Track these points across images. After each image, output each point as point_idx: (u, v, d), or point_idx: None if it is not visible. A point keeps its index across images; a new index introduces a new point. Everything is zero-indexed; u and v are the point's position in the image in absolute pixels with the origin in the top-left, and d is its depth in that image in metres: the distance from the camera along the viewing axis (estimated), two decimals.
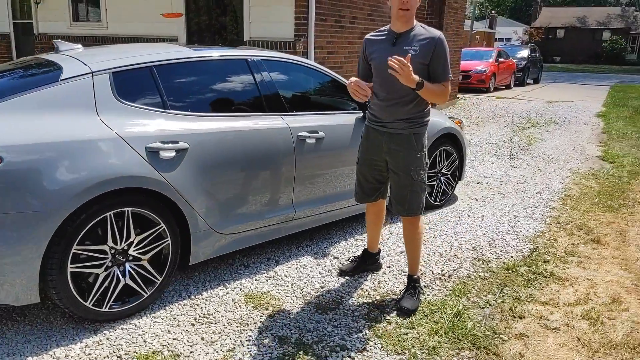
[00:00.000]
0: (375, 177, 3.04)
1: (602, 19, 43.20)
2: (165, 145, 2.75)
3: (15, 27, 10.00)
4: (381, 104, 2.88)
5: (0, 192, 2.28)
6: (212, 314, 2.86)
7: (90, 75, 2.67)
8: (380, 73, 2.83)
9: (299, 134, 3.39)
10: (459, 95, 13.49)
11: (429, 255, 3.74)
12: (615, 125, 9.91)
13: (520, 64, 18.39)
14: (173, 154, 2.78)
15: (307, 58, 6.74)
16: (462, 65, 15.01)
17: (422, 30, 2.78)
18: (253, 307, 2.95)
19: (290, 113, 3.43)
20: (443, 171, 4.73)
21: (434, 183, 4.67)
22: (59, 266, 2.46)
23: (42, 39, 9.36)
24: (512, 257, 3.78)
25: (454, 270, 3.52)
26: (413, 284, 3.06)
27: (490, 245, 3.97)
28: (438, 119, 4.61)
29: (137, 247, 2.75)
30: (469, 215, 4.61)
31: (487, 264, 3.63)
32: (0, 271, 2.33)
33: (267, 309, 2.93)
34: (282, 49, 6.65)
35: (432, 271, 3.49)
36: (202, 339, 2.63)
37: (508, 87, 17.32)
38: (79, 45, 3.14)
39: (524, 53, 19.25)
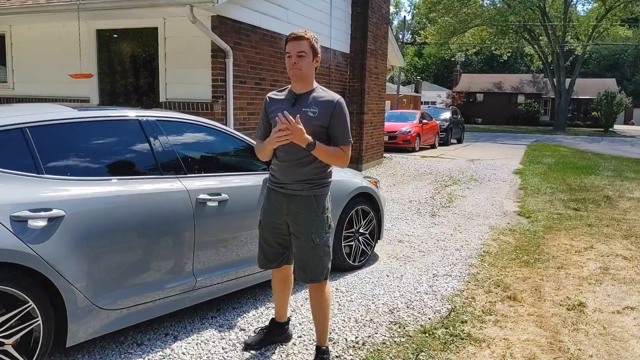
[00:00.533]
0: (278, 241, 2.87)
1: (516, 84, 47.06)
2: (35, 214, 2.45)
3: None
4: (280, 164, 2.77)
5: None
6: None
7: None
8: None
9: (199, 196, 3.19)
10: (386, 155, 13.86)
11: (344, 321, 3.55)
12: (531, 181, 10.43)
13: (443, 125, 19.37)
14: (44, 222, 2.48)
15: (226, 119, 6.65)
16: (388, 126, 15.60)
17: (322, 92, 2.74)
18: None
19: (190, 175, 3.23)
20: (361, 231, 4.64)
21: (352, 243, 4.56)
22: None
23: None
24: (429, 318, 3.66)
25: (369, 336, 3.34)
26: (321, 356, 2.84)
27: (407, 307, 3.85)
28: (353, 178, 4.58)
29: (0, 330, 2.37)
30: (387, 276, 4.50)
31: (404, 328, 3.48)
32: None
33: None
34: (200, 110, 6.54)
35: (346, 339, 3.28)
36: None
37: (433, 146, 18.09)
38: None
39: (446, 115, 20.36)
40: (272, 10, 7.65)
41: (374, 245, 4.85)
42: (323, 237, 2.73)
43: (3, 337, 2.39)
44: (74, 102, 6.73)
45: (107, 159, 2.96)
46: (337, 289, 4.13)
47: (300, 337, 3.28)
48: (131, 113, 3.16)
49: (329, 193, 2.82)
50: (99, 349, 3.03)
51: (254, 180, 3.61)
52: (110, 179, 2.86)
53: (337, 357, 3.05)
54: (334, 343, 3.22)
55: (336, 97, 2.71)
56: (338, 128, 2.68)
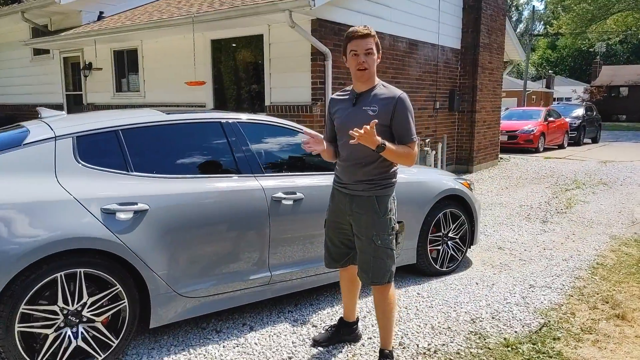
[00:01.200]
0: (342, 241, 2.88)
1: None
2: (122, 207, 2.76)
3: (68, 98, 10.91)
4: (342, 164, 2.78)
5: None
6: None
7: (53, 139, 2.78)
8: (341, 133, 2.75)
9: (274, 195, 3.32)
10: (503, 156, 13.05)
11: (419, 326, 3.44)
12: None
13: (575, 123, 17.65)
14: (130, 215, 2.78)
15: (325, 121, 6.80)
16: (508, 125, 14.66)
17: (383, 90, 2.68)
18: None
19: (266, 174, 3.38)
20: (450, 235, 4.45)
21: (440, 248, 4.39)
22: (5, 325, 2.46)
23: (89, 108, 10.12)
24: (515, 332, 3.40)
25: (443, 344, 3.20)
26: (384, 359, 2.79)
27: (492, 317, 3.61)
28: (440, 179, 4.41)
29: (91, 309, 2.71)
30: (477, 284, 4.26)
31: (484, 339, 3.28)
32: None
33: None
34: (300, 113, 6.76)
35: (418, 345, 3.18)
36: None
37: (561, 146, 16.59)
38: (63, 112, 3.30)
39: (579, 112, 18.52)
40: (374, 10, 7.64)
41: (465, 251, 4.62)
42: (385, 239, 2.68)
43: (94, 314, 2.72)
44: (192, 107, 7.38)
45: (190, 158, 3.21)
46: (418, 293, 4.02)
47: (371, 338, 3.25)
48: (213, 116, 3.40)
49: (392, 194, 2.76)
50: (183, 332, 3.30)
51: (329, 180, 3.65)
52: (192, 177, 3.11)
53: None
54: (404, 348, 3.15)
55: (397, 93, 2.64)
56: (401, 125, 2.61)
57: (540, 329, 3.42)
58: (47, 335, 2.60)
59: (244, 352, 3.06)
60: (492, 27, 10.72)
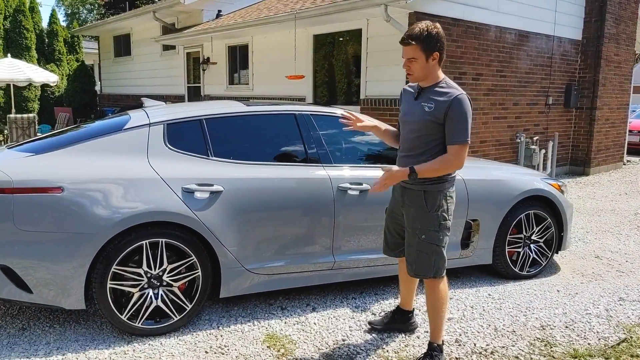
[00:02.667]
0: (397, 230, 2.96)
1: None
2: (200, 187, 3.10)
3: (189, 90, 12.00)
4: (399, 155, 2.86)
5: (59, 215, 2.85)
6: (227, 346, 3.03)
7: (148, 125, 3.20)
8: (401, 124, 2.85)
9: (340, 184, 3.47)
10: (631, 158, 11.78)
11: (481, 326, 3.38)
12: None
13: None
14: (207, 195, 3.12)
15: None
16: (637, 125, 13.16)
17: (443, 87, 2.67)
18: (267, 346, 3.04)
19: (334, 165, 3.54)
20: (533, 238, 4.25)
21: (520, 250, 4.22)
22: (100, 281, 2.92)
23: (206, 99, 11.05)
24: (589, 344, 3.20)
25: (503, 347, 3.12)
26: (430, 352, 2.82)
27: (566, 327, 3.42)
28: (525, 178, 4.22)
29: (170, 274, 3.10)
30: (558, 291, 4.02)
31: (550, 347, 3.14)
32: (54, 280, 2.87)
33: (278, 351, 2.99)
34: (393, 107, 6.79)
35: (475, 344, 3.15)
36: None
37: None
38: (162, 103, 3.76)
39: None
40: (478, 0, 7.36)
41: (551, 256, 4.37)
42: (431, 235, 2.69)
43: (173, 280, 3.11)
44: (292, 101, 7.76)
45: (263, 146, 3.48)
46: (489, 294, 3.91)
47: (427, 332, 3.27)
48: (288, 108, 3.63)
49: (446, 191, 2.72)
50: (252, 305, 3.61)
51: None
52: (264, 164, 3.38)
53: (456, 358, 2.97)
54: (459, 345, 3.13)
55: (455, 93, 2.61)
56: (450, 126, 2.60)
57: (618, 344, 3.18)
58: (132, 294, 3.03)
59: (302, 330, 3.27)
60: (620, 15, 9.70)
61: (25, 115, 10.11)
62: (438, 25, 2.67)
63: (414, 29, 2.63)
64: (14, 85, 11.86)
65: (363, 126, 2.90)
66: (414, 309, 3.28)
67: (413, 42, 2.59)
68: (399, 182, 2.83)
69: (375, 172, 3.63)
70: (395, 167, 2.63)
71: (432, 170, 2.61)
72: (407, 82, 3.04)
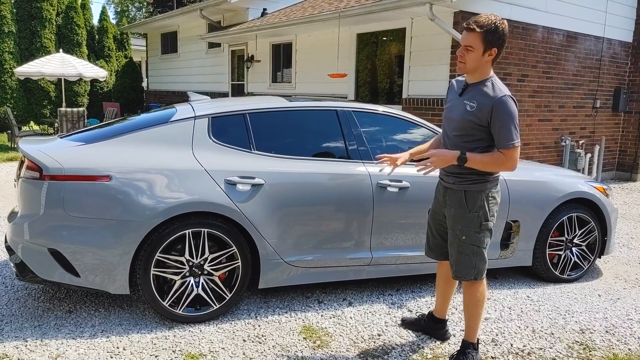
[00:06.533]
0: (439, 232, 2.92)
1: None
2: (242, 180, 3.20)
3: (233, 87, 12.25)
4: None
5: (106, 203, 3.00)
6: (265, 336, 3.12)
7: (193, 118, 3.33)
8: (444, 121, 2.81)
9: (380, 181, 3.50)
10: None
11: (519, 327, 3.35)
12: None
13: None
14: (248, 187, 3.21)
15: None
16: None
17: (488, 87, 2.57)
18: (304, 337, 3.11)
19: (374, 161, 3.57)
20: (575, 241, 4.16)
21: (561, 253, 4.13)
22: (144, 268, 3.06)
23: (249, 96, 11.26)
24: (629, 349, 3.12)
25: (540, 348, 3.09)
26: (464, 349, 2.82)
27: (606, 331, 3.34)
28: (569, 180, 4.13)
29: (211, 264, 3.21)
30: (599, 295, 3.93)
31: (589, 351, 3.08)
32: (100, 265, 3.03)
33: (315, 342, 3.06)
34: (435, 106, 6.75)
35: (512, 344, 3.12)
36: (244, 354, 2.91)
37: None
38: (207, 97, 3.88)
39: None
40: (525, 0, 7.21)
41: (593, 260, 4.26)
42: (472, 236, 2.67)
43: (213, 269, 3.22)
44: (333, 98, 7.82)
45: (305, 141, 3.55)
46: (528, 296, 3.86)
47: (463, 330, 3.26)
48: (330, 104, 3.69)
49: (488, 191, 2.67)
50: (289, 297, 3.69)
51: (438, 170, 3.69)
52: (304, 159, 3.44)
53: (492, 357, 2.96)
54: (496, 345, 3.11)
55: (499, 94, 2.52)
56: (496, 129, 2.52)
57: None
58: (174, 281, 3.16)
59: (338, 323, 3.32)
60: None
61: (75, 109, 10.59)
62: (505, 22, 2.56)
63: (481, 17, 2.51)
64: (65, 80, 12.41)
65: (403, 161, 2.83)
66: (448, 318, 3.23)
67: (478, 30, 2.47)
68: (441, 183, 2.83)
69: (415, 170, 3.64)
70: (440, 156, 2.54)
71: (482, 162, 2.54)
72: (455, 76, 2.95)
